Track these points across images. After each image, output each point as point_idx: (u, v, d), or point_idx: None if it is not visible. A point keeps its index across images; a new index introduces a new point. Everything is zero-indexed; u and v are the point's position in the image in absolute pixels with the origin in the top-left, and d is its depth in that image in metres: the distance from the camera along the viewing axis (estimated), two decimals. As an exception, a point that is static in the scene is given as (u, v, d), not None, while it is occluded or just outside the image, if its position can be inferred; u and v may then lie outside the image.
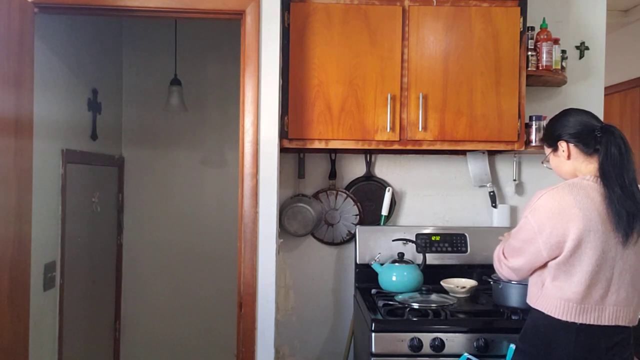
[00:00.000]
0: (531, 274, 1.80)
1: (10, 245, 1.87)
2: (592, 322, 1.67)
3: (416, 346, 2.03)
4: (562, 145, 1.80)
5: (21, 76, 1.95)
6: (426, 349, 2.04)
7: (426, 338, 2.04)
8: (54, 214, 2.49)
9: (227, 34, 3.52)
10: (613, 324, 1.68)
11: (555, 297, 1.70)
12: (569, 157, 1.79)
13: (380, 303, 2.24)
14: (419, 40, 2.41)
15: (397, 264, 2.44)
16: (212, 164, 3.63)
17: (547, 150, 1.88)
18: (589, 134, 1.74)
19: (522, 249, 1.76)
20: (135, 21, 3.48)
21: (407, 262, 2.45)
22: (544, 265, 1.74)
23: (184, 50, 3.47)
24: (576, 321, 1.67)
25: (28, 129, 2.03)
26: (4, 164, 1.84)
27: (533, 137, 2.53)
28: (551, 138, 1.84)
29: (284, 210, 2.63)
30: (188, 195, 3.59)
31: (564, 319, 1.67)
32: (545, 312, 1.71)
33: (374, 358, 2.05)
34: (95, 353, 3.14)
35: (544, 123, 2.56)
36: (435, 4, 2.42)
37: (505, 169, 2.81)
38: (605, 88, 2.84)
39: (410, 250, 2.59)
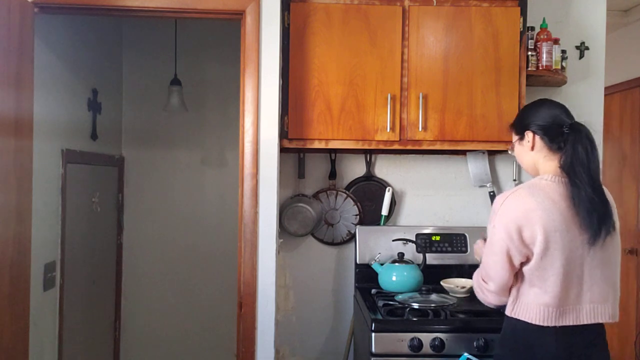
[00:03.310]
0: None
1: (10, 245, 1.87)
2: (570, 323, 1.66)
3: (416, 346, 2.03)
4: (529, 135, 1.77)
5: (21, 76, 1.95)
6: (426, 349, 2.04)
7: (426, 338, 2.04)
8: (54, 214, 2.49)
9: (227, 34, 3.51)
10: (592, 322, 1.67)
11: (534, 303, 1.67)
12: (532, 148, 1.77)
13: (380, 303, 2.24)
14: (419, 40, 2.41)
15: (397, 264, 2.44)
16: (212, 164, 3.63)
17: (515, 138, 1.85)
18: (557, 129, 1.72)
19: (500, 262, 1.68)
20: (135, 21, 3.48)
21: (407, 262, 2.45)
22: (518, 274, 1.71)
23: (184, 50, 3.47)
24: (556, 325, 1.65)
25: (28, 129, 2.03)
26: (4, 164, 1.84)
27: (533, 137, 2.53)
28: (520, 126, 1.81)
29: (284, 210, 2.63)
30: (188, 195, 3.59)
31: (544, 324, 1.65)
32: (524, 319, 1.69)
33: (374, 358, 2.05)
34: (95, 353, 3.14)
35: (544, 123, 2.56)
36: (435, 4, 2.42)
37: (505, 169, 2.81)
38: (605, 88, 2.83)
39: (410, 250, 2.59)
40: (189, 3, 2.21)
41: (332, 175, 2.75)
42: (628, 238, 4.03)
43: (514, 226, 1.65)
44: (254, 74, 2.23)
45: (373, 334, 2.05)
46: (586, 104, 2.77)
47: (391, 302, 2.23)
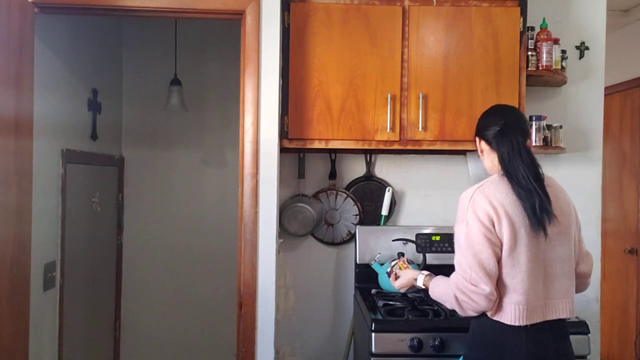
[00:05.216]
0: None
1: (10, 245, 1.87)
2: (537, 321, 1.68)
3: (416, 346, 2.03)
4: (477, 140, 1.87)
5: (21, 76, 1.95)
6: (426, 349, 2.04)
7: (426, 338, 2.04)
8: (54, 214, 2.49)
9: (227, 34, 3.51)
10: (555, 317, 1.71)
11: (505, 302, 1.68)
12: (482, 151, 1.85)
13: (380, 303, 2.24)
14: (419, 40, 2.41)
15: (397, 264, 2.44)
16: (212, 164, 3.63)
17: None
18: (489, 129, 1.80)
19: (485, 252, 1.66)
20: (135, 21, 3.48)
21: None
22: None
23: (184, 50, 3.47)
24: (527, 324, 1.66)
25: (28, 129, 2.03)
26: (4, 164, 1.84)
27: (533, 137, 2.53)
28: (475, 134, 1.90)
29: (284, 210, 2.63)
30: (188, 195, 3.59)
31: (515, 324, 1.66)
32: (495, 318, 1.69)
33: (374, 358, 2.05)
34: (95, 353, 3.14)
35: (544, 123, 2.56)
36: (435, 4, 2.42)
37: (505, 169, 2.80)
38: (605, 88, 2.83)
39: (410, 250, 2.59)
40: (189, 3, 2.21)
41: (332, 175, 2.75)
42: (628, 238, 4.02)
43: (486, 217, 1.67)
44: (254, 74, 2.23)
45: (373, 334, 2.05)
46: (586, 104, 2.77)
47: (391, 302, 2.23)
